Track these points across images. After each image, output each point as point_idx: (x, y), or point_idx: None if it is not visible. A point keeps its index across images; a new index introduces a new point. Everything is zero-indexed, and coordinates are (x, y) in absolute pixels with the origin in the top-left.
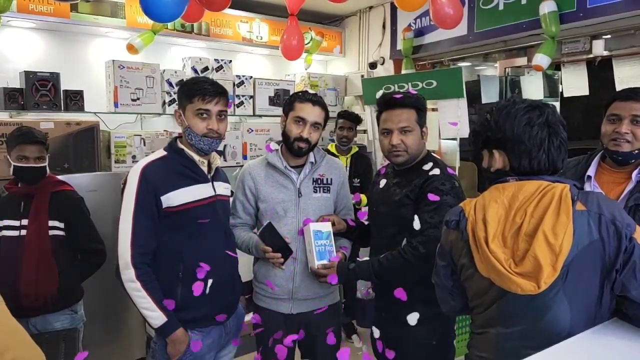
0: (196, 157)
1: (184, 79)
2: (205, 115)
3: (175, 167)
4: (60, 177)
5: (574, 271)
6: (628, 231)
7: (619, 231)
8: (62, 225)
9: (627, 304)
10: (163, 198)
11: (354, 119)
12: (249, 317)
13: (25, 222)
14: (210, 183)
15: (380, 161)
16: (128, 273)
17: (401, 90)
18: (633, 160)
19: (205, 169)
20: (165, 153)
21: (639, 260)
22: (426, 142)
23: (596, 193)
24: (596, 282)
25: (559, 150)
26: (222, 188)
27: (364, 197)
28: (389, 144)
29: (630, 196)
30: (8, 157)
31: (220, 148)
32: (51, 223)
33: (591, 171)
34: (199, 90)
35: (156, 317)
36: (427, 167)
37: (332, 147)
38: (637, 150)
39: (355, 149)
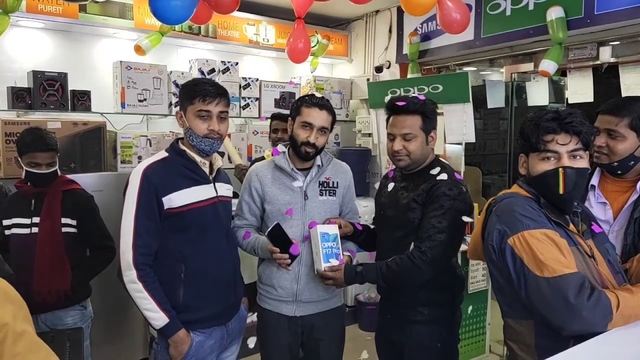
0: (198, 158)
1: None
2: (206, 116)
3: (176, 168)
4: (69, 176)
5: (489, 258)
6: (503, 235)
7: (491, 230)
8: (74, 222)
9: None
10: (165, 199)
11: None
12: (251, 318)
13: (36, 219)
14: (212, 184)
15: (384, 164)
16: (130, 274)
17: (409, 95)
18: (620, 172)
19: (206, 170)
20: (167, 154)
21: (511, 262)
22: (434, 147)
23: (515, 201)
24: (507, 270)
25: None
26: (224, 189)
27: None
28: (392, 148)
29: (635, 207)
30: (19, 159)
31: (224, 150)
32: (64, 220)
33: (594, 180)
34: (199, 92)
35: (158, 318)
36: (434, 171)
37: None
38: (616, 162)
39: None
